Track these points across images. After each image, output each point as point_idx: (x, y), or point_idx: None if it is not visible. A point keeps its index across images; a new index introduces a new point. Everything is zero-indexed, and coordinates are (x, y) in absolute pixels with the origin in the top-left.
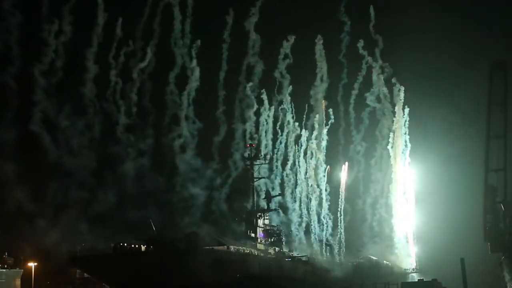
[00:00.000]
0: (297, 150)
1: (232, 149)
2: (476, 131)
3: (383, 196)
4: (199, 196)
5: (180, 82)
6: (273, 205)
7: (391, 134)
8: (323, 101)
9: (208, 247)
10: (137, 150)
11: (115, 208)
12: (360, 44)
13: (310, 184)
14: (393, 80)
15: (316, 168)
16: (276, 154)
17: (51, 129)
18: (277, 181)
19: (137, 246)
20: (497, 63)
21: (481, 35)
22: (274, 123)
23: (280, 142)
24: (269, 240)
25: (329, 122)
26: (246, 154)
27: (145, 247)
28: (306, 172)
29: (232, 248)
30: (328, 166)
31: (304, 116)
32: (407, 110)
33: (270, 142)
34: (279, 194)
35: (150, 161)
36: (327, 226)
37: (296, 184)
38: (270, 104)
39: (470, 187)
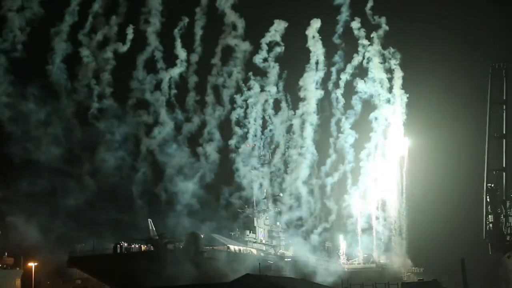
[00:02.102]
0: (287, 141)
1: (202, 140)
2: (477, 130)
3: (375, 190)
4: (186, 191)
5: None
6: (272, 205)
7: (386, 123)
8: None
9: (208, 247)
10: (114, 141)
11: (96, 206)
12: (356, 24)
13: (297, 177)
14: (393, 63)
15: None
16: (264, 142)
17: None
18: (265, 170)
19: (137, 246)
20: (497, 63)
21: (482, 34)
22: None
23: (270, 130)
24: (270, 240)
25: (323, 115)
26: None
27: (145, 247)
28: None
29: (232, 248)
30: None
31: (299, 105)
32: (405, 98)
33: (259, 128)
34: (279, 195)
35: (130, 154)
36: (319, 220)
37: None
38: (262, 90)
39: (470, 187)
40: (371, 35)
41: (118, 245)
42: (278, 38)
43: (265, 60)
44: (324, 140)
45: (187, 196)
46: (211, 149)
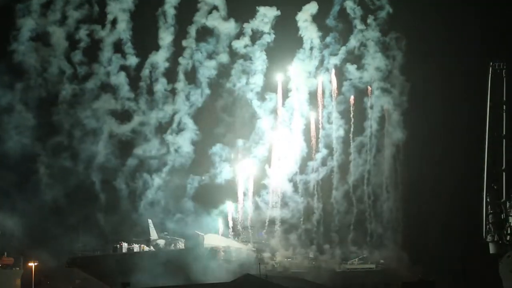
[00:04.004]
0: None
1: (171, 130)
2: (477, 128)
3: (367, 184)
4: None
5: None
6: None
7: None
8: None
9: (208, 247)
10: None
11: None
12: (353, 5)
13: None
14: (393, 46)
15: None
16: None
17: None
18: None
19: (137, 246)
20: (497, 63)
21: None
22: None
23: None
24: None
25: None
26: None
27: (144, 247)
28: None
29: (232, 247)
30: None
31: (289, 94)
32: (406, 85)
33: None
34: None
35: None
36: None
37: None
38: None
39: (470, 186)
40: (368, 20)
41: (118, 245)
42: (266, 28)
43: (246, 46)
44: (316, 131)
45: (153, 190)
46: (183, 139)
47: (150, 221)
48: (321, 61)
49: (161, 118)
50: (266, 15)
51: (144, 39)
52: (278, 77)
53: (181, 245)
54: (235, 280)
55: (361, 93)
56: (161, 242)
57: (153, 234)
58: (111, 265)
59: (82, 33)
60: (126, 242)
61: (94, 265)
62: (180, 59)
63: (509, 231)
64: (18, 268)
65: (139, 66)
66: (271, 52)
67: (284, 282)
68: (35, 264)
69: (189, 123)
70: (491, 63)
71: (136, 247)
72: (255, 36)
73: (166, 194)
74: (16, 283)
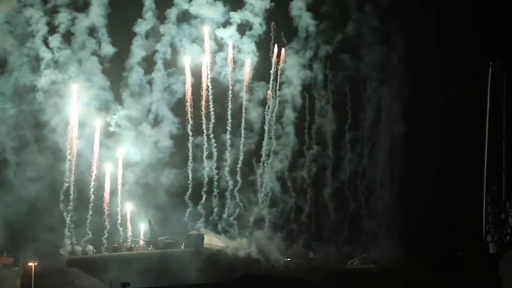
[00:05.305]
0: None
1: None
2: (477, 128)
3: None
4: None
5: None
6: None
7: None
8: None
9: (208, 247)
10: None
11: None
12: None
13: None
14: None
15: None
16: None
17: None
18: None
19: (137, 246)
20: (497, 62)
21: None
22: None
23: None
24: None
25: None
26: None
27: (144, 247)
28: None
29: (231, 247)
30: None
31: (284, 87)
32: (404, 78)
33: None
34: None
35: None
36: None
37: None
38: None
39: (470, 186)
40: (365, 9)
41: (119, 246)
42: (257, 20)
43: (231, 36)
44: (307, 126)
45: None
46: (160, 133)
47: (149, 220)
48: (316, 50)
49: (139, 109)
50: (255, 6)
51: (121, 25)
52: (271, 67)
53: (180, 245)
54: (235, 280)
55: (358, 84)
56: (161, 242)
57: (153, 234)
58: (110, 265)
59: (61, 17)
60: (126, 242)
61: (93, 265)
62: (159, 46)
63: (509, 231)
64: (17, 268)
65: (114, 54)
66: (261, 43)
67: (284, 282)
68: (35, 264)
69: (167, 114)
70: (491, 63)
71: (135, 247)
72: (244, 27)
73: (141, 189)
74: (16, 283)
